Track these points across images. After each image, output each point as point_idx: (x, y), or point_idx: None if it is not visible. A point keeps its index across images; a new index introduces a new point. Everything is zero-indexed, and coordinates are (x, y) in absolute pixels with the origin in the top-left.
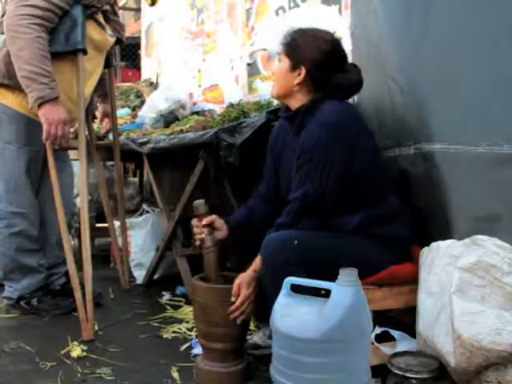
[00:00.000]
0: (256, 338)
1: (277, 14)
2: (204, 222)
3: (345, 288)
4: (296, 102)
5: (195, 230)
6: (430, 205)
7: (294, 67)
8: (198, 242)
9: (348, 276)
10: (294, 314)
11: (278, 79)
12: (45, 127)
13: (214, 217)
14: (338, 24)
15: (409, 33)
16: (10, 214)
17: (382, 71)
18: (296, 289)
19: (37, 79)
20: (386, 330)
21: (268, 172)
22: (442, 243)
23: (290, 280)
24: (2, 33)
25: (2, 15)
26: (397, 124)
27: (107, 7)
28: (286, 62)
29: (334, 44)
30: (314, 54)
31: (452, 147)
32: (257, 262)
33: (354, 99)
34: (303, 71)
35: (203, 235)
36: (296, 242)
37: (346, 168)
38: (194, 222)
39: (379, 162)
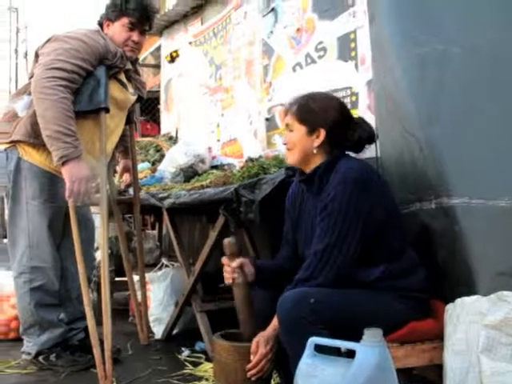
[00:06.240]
0: None
1: (294, 70)
2: (236, 263)
3: (370, 349)
4: (314, 164)
5: (226, 268)
6: (453, 260)
7: (312, 131)
8: (228, 281)
9: (373, 336)
10: (318, 375)
11: (295, 147)
12: (68, 185)
13: (245, 260)
14: (355, 79)
15: (425, 89)
16: (31, 268)
17: (400, 126)
18: (319, 348)
19: (61, 138)
20: None
21: (288, 235)
22: (466, 299)
23: (314, 340)
24: (29, 94)
25: (30, 77)
26: (417, 178)
27: (129, 66)
28: (301, 129)
29: (342, 102)
30: (332, 115)
31: (473, 201)
32: (276, 320)
33: (376, 153)
34: (322, 133)
35: (235, 274)
36: (312, 300)
37: (365, 223)
38: (225, 260)
39: (398, 216)
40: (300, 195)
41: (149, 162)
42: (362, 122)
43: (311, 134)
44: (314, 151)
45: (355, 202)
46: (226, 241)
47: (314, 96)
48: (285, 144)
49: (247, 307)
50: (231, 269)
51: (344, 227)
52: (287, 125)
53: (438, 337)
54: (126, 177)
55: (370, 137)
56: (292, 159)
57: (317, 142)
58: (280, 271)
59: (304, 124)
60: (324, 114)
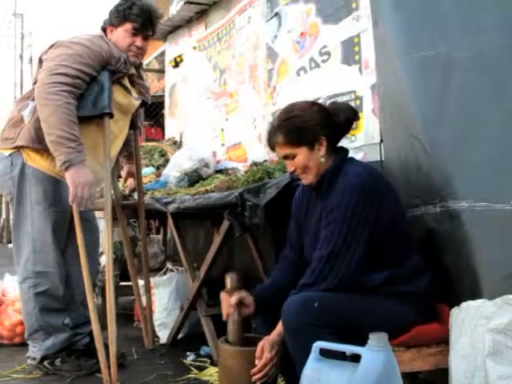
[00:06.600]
0: None
1: (298, 74)
2: (234, 300)
3: (375, 353)
4: (325, 169)
5: (224, 304)
6: (458, 263)
7: (313, 145)
8: (224, 316)
9: (378, 340)
10: (323, 380)
11: (307, 169)
12: (71, 189)
13: (244, 294)
14: (359, 83)
15: (429, 92)
16: (36, 273)
17: (405, 130)
18: (324, 352)
19: (64, 143)
20: None
21: (292, 236)
22: (472, 303)
23: (319, 344)
24: (33, 99)
25: (34, 83)
26: (422, 182)
27: (133, 71)
28: (302, 151)
29: (315, 101)
30: (320, 119)
31: (478, 205)
32: (280, 325)
33: (381, 156)
34: (324, 140)
35: (231, 310)
36: (316, 304)
37: (371, 229)
38: (223, 296)
39: (404, 220)
40: (307, 198)
41: (153, 166)
42: (336, 106)
43: (313, 147)
44: (324, 159)
45: (361, 208)
46: (228, 276)
47: (292, 113)
48: (293, 171)
49: (239, 341)
50: (228, 305)
51: (349, 233)
52: (286, 156)
53: (444, 341)
54: (131, 182)
55: (355, 113)
56: (308, 179)
57: (322, 151)
58: (279, 292)
59: (303, 145)
60: (314, 123)
